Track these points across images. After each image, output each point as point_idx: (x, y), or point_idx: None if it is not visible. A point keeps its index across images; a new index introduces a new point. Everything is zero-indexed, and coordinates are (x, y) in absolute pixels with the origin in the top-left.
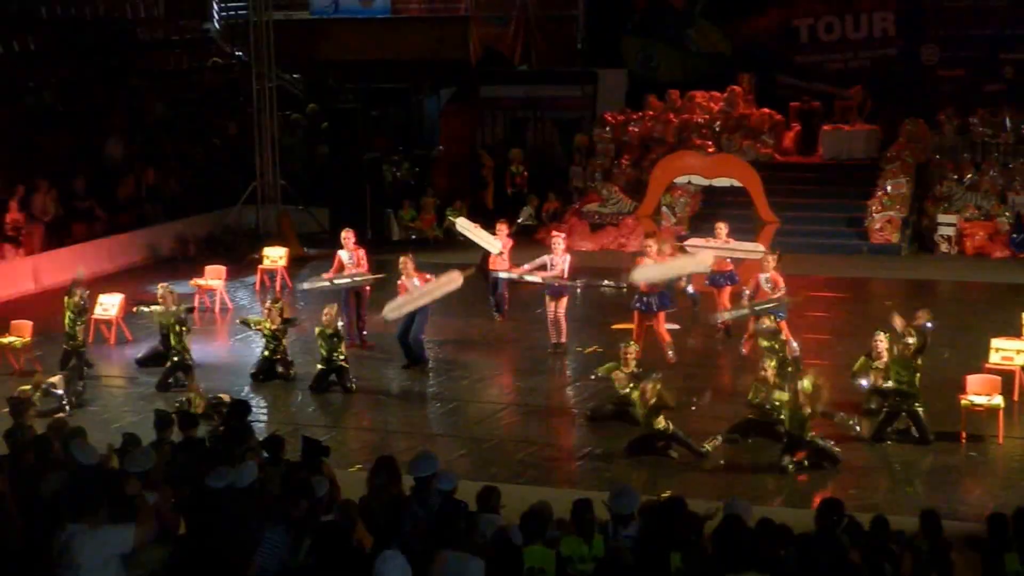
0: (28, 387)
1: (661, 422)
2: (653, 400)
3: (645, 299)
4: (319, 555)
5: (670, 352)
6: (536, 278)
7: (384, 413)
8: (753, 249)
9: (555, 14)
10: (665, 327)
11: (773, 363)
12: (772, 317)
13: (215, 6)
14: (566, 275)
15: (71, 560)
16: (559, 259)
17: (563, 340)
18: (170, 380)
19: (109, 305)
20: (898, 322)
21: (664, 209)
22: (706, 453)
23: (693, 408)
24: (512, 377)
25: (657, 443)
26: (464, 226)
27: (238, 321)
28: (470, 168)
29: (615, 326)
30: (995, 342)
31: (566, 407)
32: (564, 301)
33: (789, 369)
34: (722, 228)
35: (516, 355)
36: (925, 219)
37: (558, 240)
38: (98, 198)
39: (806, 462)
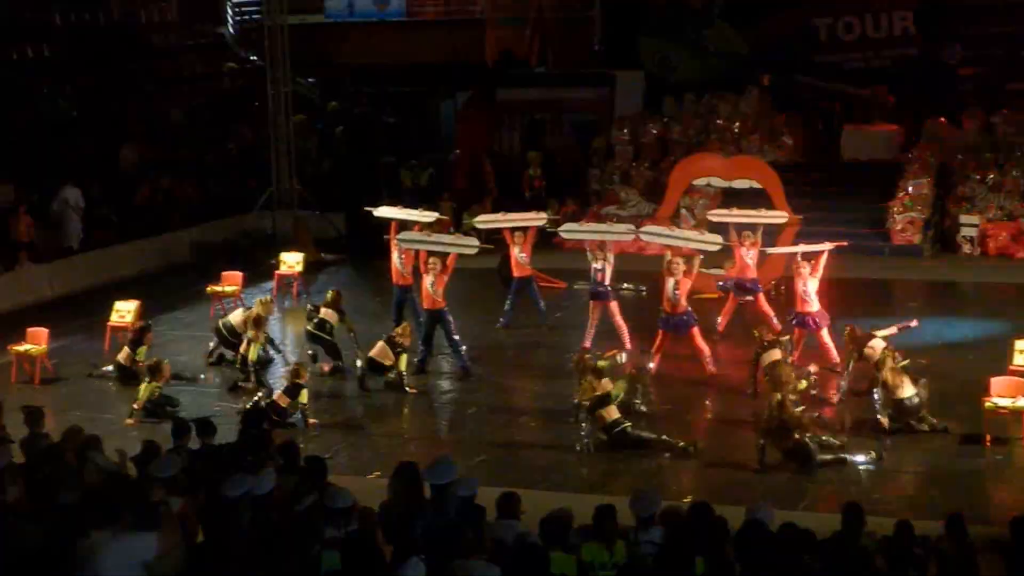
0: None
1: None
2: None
3: (672, 320)
4: (345, 564)
5: (709, 365)
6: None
7: (403, 419)
8: (776, 216)
9: (571, 15)
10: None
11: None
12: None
13: (229, 10)
14: (607, 279)
15: (93, 568)
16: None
17: (627, 344)
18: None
19: (125, 311)
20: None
21: (683, 211)
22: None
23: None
24: (532, 382)
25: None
26: (485, 220)
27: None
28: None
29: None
30: (1019, 344)
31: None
32: (615, 305)
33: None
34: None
35: (536, 360)
36: (947, 220)
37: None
38: (114, 205)
39: None
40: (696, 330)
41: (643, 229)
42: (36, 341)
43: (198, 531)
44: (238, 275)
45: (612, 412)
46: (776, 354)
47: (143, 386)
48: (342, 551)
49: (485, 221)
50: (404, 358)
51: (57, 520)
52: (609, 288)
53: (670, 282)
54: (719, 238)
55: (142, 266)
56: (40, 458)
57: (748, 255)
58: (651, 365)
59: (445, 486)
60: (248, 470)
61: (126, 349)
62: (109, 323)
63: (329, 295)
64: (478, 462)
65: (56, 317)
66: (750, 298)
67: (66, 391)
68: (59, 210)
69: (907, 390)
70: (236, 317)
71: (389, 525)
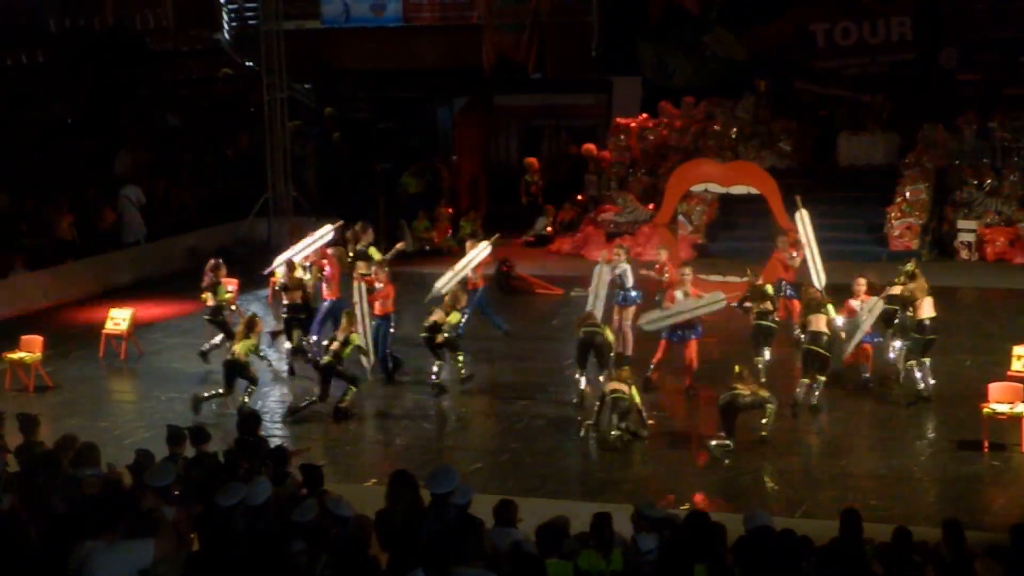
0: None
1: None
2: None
3: (680, 331)
4: (336, 570)
5: (691, 380)
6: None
7: (399, 426)
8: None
9: (569, 21)
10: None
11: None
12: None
13: (225, 16)
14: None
15: None
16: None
17: (628, 352)
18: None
19: (120, 319)
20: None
21: (680, 217)
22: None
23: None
24: (529, 389)
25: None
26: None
27: None
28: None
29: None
30: (1017, 349)
31: (583, 419)
32: (631, 311)
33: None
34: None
35: (533, 367)
36: (945, 225)
37: (619, 251)
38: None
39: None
40: (695, 342)
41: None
42: (31, 349)
43: (193, 539)
44: (234, 282)
45: (612, 384)
46: (821, 320)
47: (240, 343)
48: (334, 559)
49: (444, 283)
50: (455, 316)
51: (52, 529)
52: (634, 293)
53: (679, 293)
54: (722, 295)
55: (137, 273)
56: (35, 466)
57: (791, 259)
58: (650, 375)
59: (445, 495)
60: (243, 478)
61: (208, 294)
62: (104, 330)
63: None
64: (475, 469)
65: (51, 324)
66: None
67: (61, 399)
68: (121, 207)
69: (928, 311)
70: None
71: (386, 533)
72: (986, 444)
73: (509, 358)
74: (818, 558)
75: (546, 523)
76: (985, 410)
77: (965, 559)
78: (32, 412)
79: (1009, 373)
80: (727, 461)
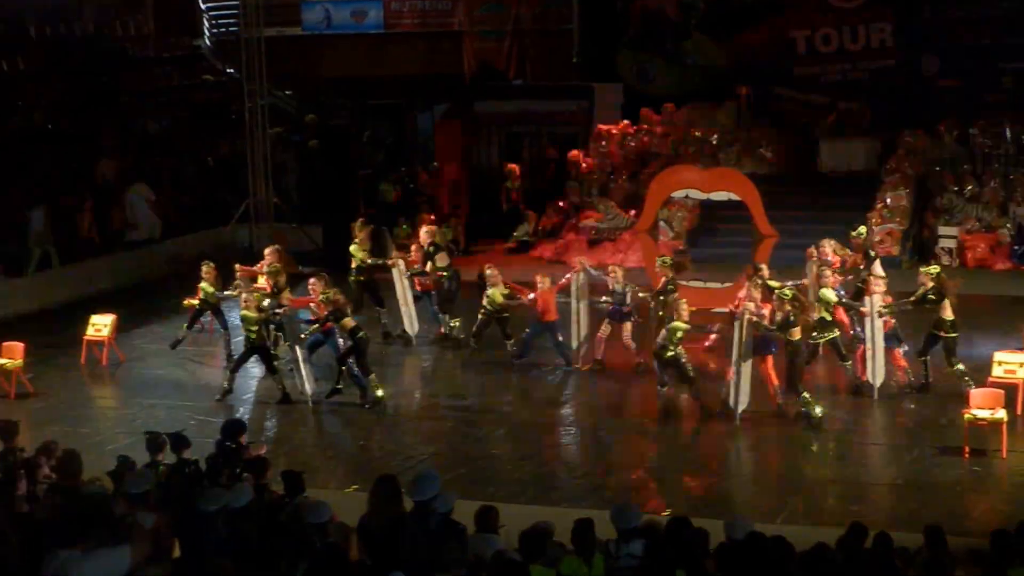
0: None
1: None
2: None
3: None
4: None
5: (778, 398)
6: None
7: (381, 432)
8: None
9: (550, 28)
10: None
11: None
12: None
13: (206, 23)
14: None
15: None
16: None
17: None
18: None
19: (101, 325)
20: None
21: (662, 224)
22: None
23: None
24: (510, 395)
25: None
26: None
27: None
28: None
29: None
30: (998, 355)
31: (565, 425)
32: (628, 326)
33: None
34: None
35: (513, 374)
36: (926, 231)
37: (616, 270)
38: (91, 217)
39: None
40: (770, 358)
41: None
42: (12, 355)
43: (174, 546)
44: None
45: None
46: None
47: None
48: (310, 565)
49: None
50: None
51: (31, 536)
52: (627, 310)
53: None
54: None
55: (118, 279)
56: (14, 473)
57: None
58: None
59: (427, 501)
60: (224, 484)
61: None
62: (85, 336)
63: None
64: (456, 476)
65: (32, 331)
66: None
67: (42, 405)
68: (131, 206)
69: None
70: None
71: (369, 540)
72: (967, 450)
73: (490, 363)
74: (801, 565)
75: (529, 529)
76: (966, 416)
77: (945, 565)
78: (12, 419)
79: (990, 379)
80: (818, 411)
